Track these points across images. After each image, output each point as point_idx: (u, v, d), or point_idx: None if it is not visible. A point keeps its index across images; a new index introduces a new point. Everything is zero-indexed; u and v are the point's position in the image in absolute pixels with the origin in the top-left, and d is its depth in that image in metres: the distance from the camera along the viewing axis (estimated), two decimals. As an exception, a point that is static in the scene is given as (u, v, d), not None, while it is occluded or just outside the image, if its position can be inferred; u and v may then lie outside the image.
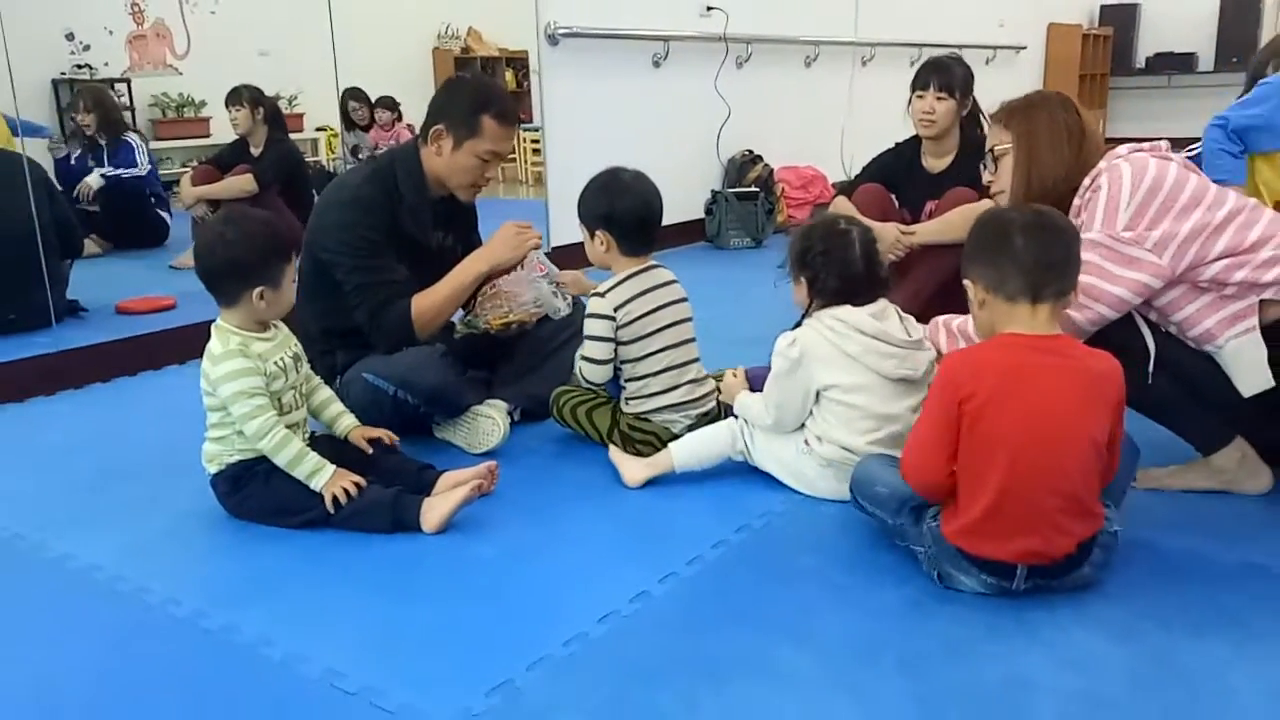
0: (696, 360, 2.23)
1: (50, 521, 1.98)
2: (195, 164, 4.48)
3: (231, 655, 1.51)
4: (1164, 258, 1.81)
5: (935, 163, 3.12)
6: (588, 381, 2.21)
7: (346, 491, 1.87)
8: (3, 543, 1.91)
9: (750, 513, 1.94)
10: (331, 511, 1.86)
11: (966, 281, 1.66)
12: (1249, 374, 1.82)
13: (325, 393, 2.08)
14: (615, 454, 2.14)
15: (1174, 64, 9.46)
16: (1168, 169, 1.85)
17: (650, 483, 2.07)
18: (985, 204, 2.85)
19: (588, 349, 2.17)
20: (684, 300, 2.21)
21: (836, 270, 1.93)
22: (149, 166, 4.10)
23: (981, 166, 2.10)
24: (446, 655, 1.49)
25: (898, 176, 3.17)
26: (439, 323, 2.32)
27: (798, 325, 1.98)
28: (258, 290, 1.85)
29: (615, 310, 2.13)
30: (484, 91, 2.32)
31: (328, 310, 2.29)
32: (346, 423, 2.07)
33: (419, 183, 2.31)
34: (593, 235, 2.18)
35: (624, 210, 2.14)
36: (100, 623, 1.62)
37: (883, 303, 1.96)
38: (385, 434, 2.06)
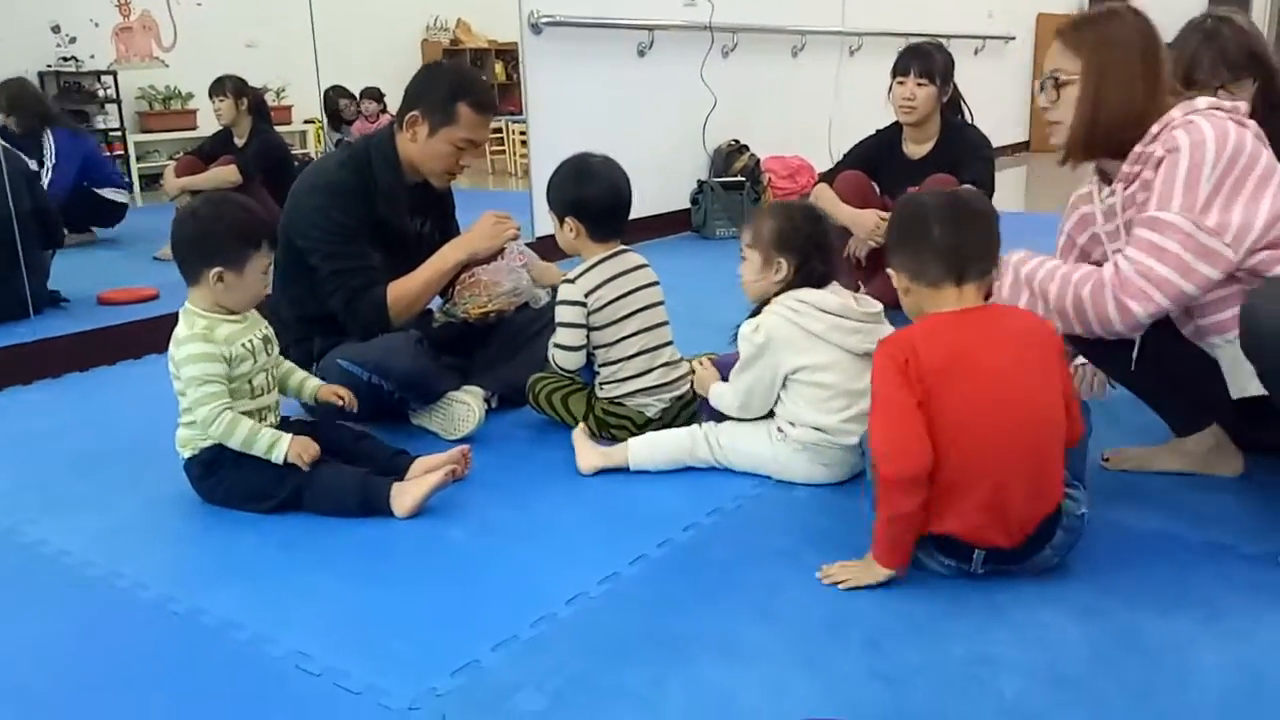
0: (670, 344, 2.23)
1: (22, 508, 1.98)
2: (180, 155, 4.47)
3: (198, 638, 1.51)
4: (1239, 251, 1.67)
5: (916, 149, 3.13)
6: (561, 368, 2.21)
7: (310, 470, 1.88)
8: (-26, 529, 1.91)
9: (723, 496, 1.94)
10: (307, 470, 1.87)
11: (889, 270, 1.65)
12: (1246, 377, 1.73)
13: (288, 366, 2.09)
14: (578, 437, 2.13)
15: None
16: (1245, 138, 1.70)
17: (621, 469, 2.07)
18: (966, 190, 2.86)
19: (559, 336, 2.17)
20: (655, 284, 2.21)
21: (823, 255, 1.95)
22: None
23: (1038, 88, 1.89)
24: (413, 637, 1.49)
25: (878, 163, 3.18)
26: (415, 310, 2.32)
27: (756, 313, 1.98)
28: (216, 270, 1.84)
29: (586, 296, 2.13)
30: (461, 79, 2.31)
31: (303, 297, 2.29)
32: (312, 385, 2.08)
33: (394, 168, 2.31)
34: (562, 222, 2.18)
35: (593, 197, 2.14)
36: (69, 607, 1.63)
37: (834, 284, 1.97)
38: (348, 394, 2.07)
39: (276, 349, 2.02)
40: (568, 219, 2.16)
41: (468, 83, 2.30)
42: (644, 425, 2.15)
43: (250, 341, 1.92)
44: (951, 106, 3.17)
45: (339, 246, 2.23)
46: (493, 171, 6.34)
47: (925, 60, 3.05)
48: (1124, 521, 1.77)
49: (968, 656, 1.41)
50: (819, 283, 1.95)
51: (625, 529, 1.83)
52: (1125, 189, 1.80)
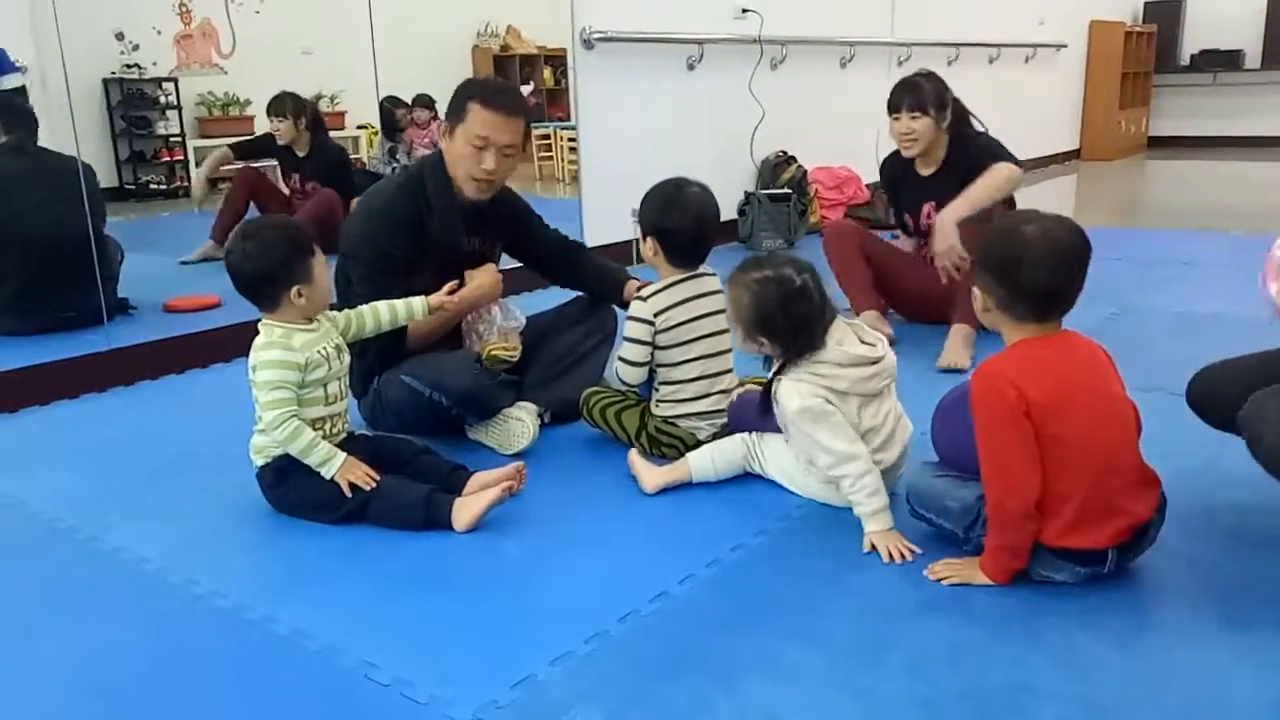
0: (729, 371, 2.29)
1: (103, 514, 2.09)
2: (236, 164, 4.57)
3: (272, 647, 1.60)
4: None
5: (925, 169, 3.21)
6: (623, 382, 2.28)
7: (376, 486, 1.96)
8: (60, 535, 2.03)
9: (770, 516, 2.00)
10: (349, 495, 1.96)
11: (975, 289, 1.70)
12: None
13: (369, 311, 2.19)
14: (633, 461, 2.18)
15: (1220, 61, 9.35)
16: None
17: (674, 486, 2.12)
18: (1002, 168, 2.91)
19: (625, 350, 2.24)
20: (724, 311, 2.26)
21: (805, 328, 1.90)
22: None
23: None
24: (474, 649, 1.57)
25: (897, 181, 3.31)
26: (423, 344, 2.39)
27: (774, 377, 1.96)
28: (294, 290, 1.96)
29: (655, 316, 2.19)
30: (475, 82, 2.38)
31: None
32: (417, 302, 2.21)
33: (446, 189, 2.37)
34: (645, 238, 2.25)
35: (676, 228, 2.20)
36: (150, 613, 1.72)
37: (837, 322, 1.94)
38: (451, 286, 2.27)
39: (348, 358, 2.10)
40: (650, 238, 2.23)
41: (481, 84, 2.35)
42: (694, 447, 2.20)
43: (324, 349, 2.01)
44: (959, 121, 3.18)
45: (378, 276, 2.29)
46: (540, 178, 6.43)
47: (915, 93, 3.09)
48: (1164, 549, 1.79)
49: (1008, 683, 1.45)
50: (805, 351, 1.90)
51: (675, 547, 1.89)
52: None
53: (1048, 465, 1.60)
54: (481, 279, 2.40)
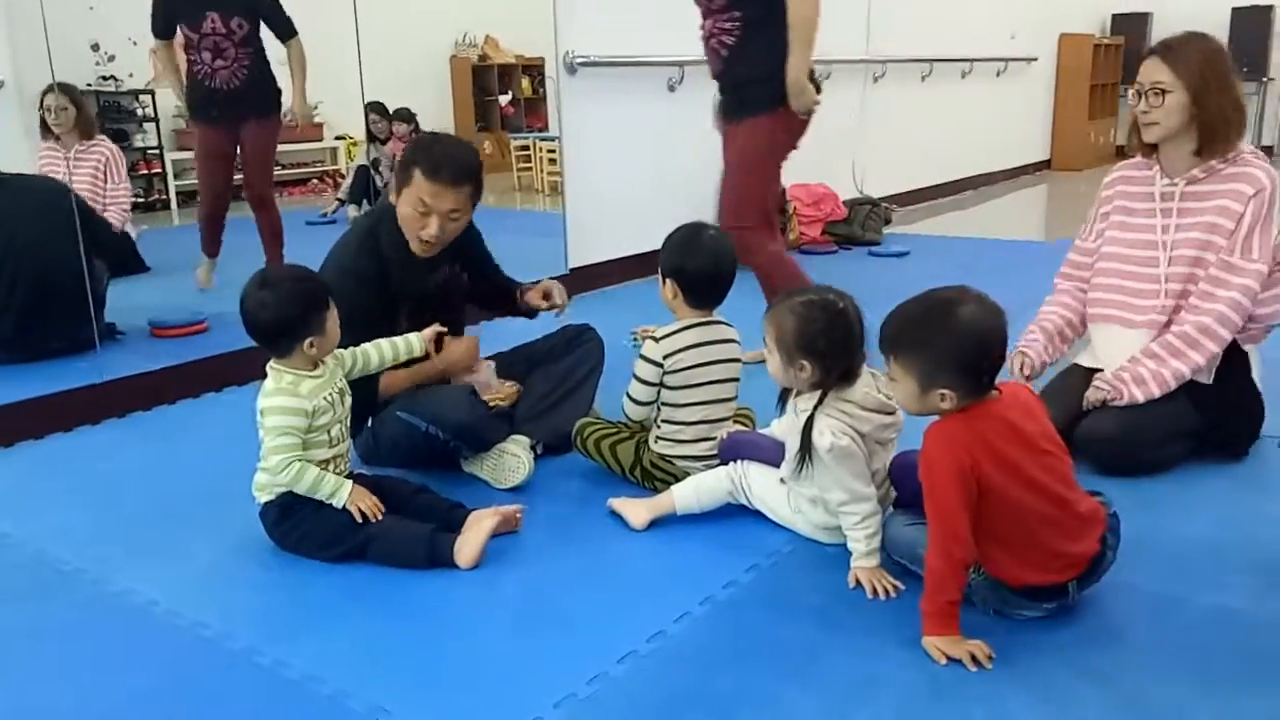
0: (730, 419, 2.36)
1: (108, 555, 2.12)
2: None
3: (285, 692, 1.65)
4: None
5: None
6: (628, 418, 2.34)
7: (380, 523, 2.02)
8: (67, 577, 2.06)
9: (760, 551, 2.06)
10: (359, 521, 2.02)
11: (943, 390, 1.67)
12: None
13: (373, 349, 2.24)
14: (616, 503, 2.23)
15: (1185, 72, 9.48)
16: None
17: (666, 522, 2.19)
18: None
19: (632, 388, 2.31)
20: (736, 360, 2.33)
21: (845, 353, 1.92)
22: None
23: (1135, 94, 2.33)
24: (481, 693, 1.62)
25: None
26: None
27: (814, 410, 1.97)
28: (308, 341, 2.02)
29: (664, 359, 2.26)
30: (423, 146, 2.38)
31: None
32: (415, 338, 2.27)
33: (401, 243, 2.41)
34: (664, 282, 2.32)
35: (694, 269, 2.27)
36: (162, 658, 1.76)
37: (863, 368, 1.98)
38: (438, 329, 2.30)
39: (350, 401, 2.15)
40: (669, 281, 2.30)
41: (427, 150, 2.34)
42: (686, 484, 2.27)
43: (329, 395, 2.07)
44: None
45: (358, 331, 2.28)
46: (519, 188, 6.47)
47: None
48: (1135, 583, 1.88)
49: (987, 718, 1.53)
50: (839, 382, 1.94)
51: (669, 584, 1.96)
52: (1187, 185, 2.36)
53: (993, 520, 1.68)
54: (455, 348, 2.48)
